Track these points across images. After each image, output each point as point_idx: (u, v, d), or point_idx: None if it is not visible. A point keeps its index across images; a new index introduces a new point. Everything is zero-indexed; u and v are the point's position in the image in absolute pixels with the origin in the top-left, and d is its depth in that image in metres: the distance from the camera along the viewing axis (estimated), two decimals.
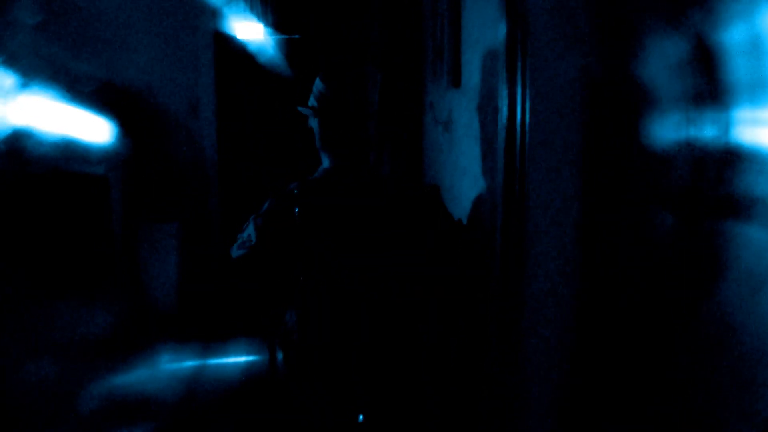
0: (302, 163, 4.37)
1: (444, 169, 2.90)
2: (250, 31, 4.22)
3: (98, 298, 3.67)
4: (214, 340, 3.97)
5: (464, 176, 2.53)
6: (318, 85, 2.17)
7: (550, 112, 1.45)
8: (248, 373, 3.56)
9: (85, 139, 3.47)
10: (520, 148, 1.52)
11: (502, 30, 1.70)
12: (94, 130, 3.56)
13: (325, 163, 2.22)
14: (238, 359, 3.74)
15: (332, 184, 2.16)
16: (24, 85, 3.18)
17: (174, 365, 3.63)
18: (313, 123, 2.21)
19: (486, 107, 2.15)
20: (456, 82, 2.57)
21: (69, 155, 3.38)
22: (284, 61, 4.33)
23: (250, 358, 3.74)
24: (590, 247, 1.40)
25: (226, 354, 3.80)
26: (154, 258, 4.12)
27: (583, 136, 1.31)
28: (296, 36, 4.37)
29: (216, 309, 4.00)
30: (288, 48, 4.34)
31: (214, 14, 4.24)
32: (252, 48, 4.25)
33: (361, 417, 2.16)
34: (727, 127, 0.90)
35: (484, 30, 2.18)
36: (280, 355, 2.43)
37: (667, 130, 1.07)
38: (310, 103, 2.22)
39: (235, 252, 2.28)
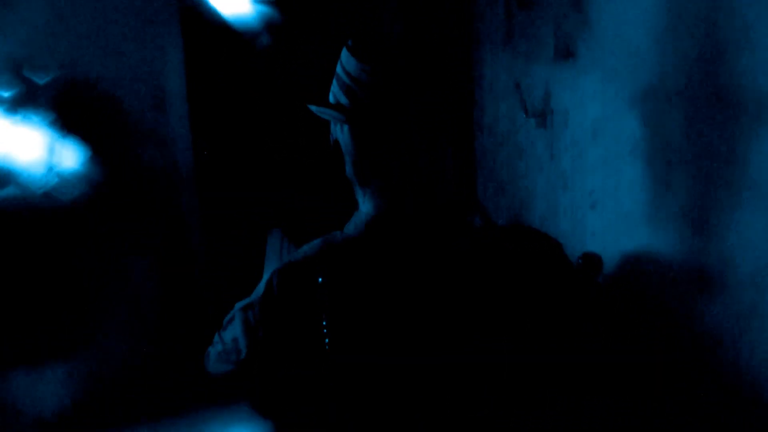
0: (304, 166, 3.33)
1: (534, 184, 1.86)
2: None
3: (44, 366, 2.74)
4: (201, 407, 2.96)
5: (592, 207, 1.50)
6: (349, 64, 1.12)
7: None
8: None
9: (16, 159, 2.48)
10: None
11: None
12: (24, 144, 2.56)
13: (367, 206, 1.18)
14: None
15: (388, 254, 1.13)
16: None
17: None
18: (341, 134, 1.17)
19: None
20: (566, 50, 1.52)
21: None
22: (274, 37, 3.27)
23: None
24: None
25: None
26: (121, 306, 3.09)
27: None
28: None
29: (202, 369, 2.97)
30: (279, 19, 3.27)
31: None
32: (232, 21, 3.18)
33: None
34: None
35: None
36: None
37: None
38: (332, 100, 1.18)
39: (213, 365, 1.28)
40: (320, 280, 1.08)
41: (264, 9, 3.20)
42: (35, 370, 2.78)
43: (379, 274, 1.12)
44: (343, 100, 1.15)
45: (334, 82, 1.19)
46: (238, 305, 1.23)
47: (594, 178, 1.49)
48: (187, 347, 3.01)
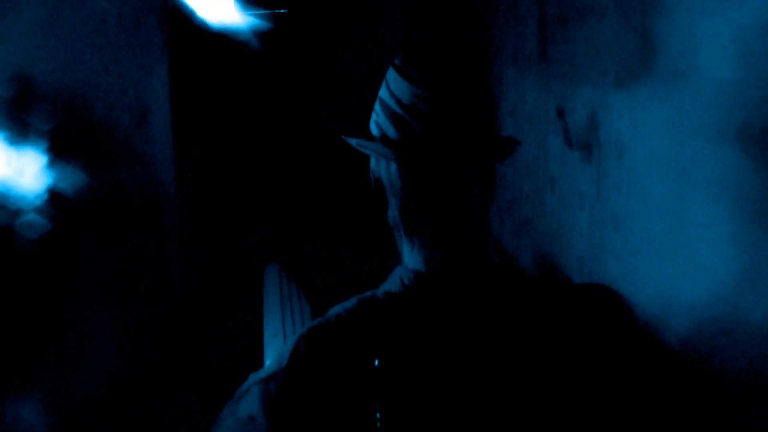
0: (300, 189, 3.10)
1: (571, 223, 1.66)
2: (216, 6, 2.91)
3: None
4: None
5: (656, 254, 1.30)
6: (400, 89, 0.92)
7: None
8: None
9: None
10: None
11: None
12: None
13: (414, 260, 0.98)
14: None
15: (447, 319, 0.92)
16: None
17: None
18: (386, 173, 0.95)
19: None
20: (625, 73, 1.32)
21: None
22: (265, 48, 3.05)
23: None
24: None
25: None
26: (85, 332, 2.84)
27: None
28: (281, 11, 3.08)
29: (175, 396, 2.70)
30: (271, 29, 3.05)
31: None
32: (220, 30, 2.95)
33: None
34: None
35: None
36: None
37: None
38: (375, 131, 0.97)
39: None
40: (376, 363, 0.86)
41: (255, 21, 2.99)
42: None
43: (438, 345, 0.91)
44: (392, 132, 0.94)
45: (378, 109, 0.98)
46: (255, 376, 1.01)
47: (659, 222, 1.30)
48: (168, 375, 2.76)
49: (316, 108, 2.39)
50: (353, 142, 1.00)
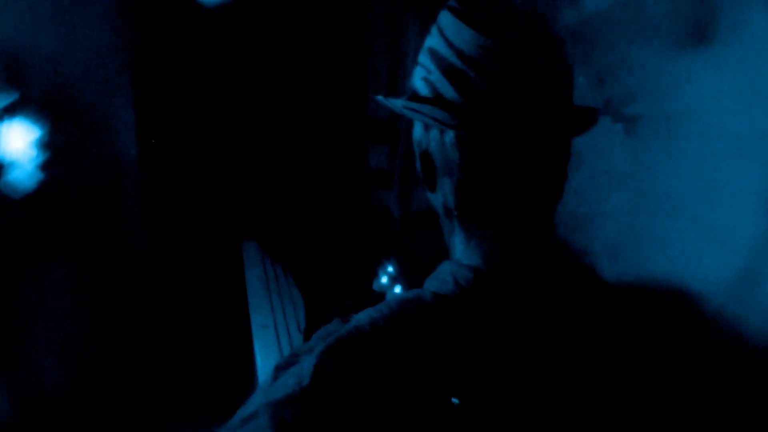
0: (272, 162, 2.88)
1: (599, 202, 1.49)
2: None
3: None
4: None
5: (722, 244, 1.13)
6: (460, 37, 0.71)
7: None
8: None
9: None
10: None
11: None
12: None
13: (471, 254, 0.78)
14: None
15: (520, 331, 0.72)
16: None
17: None
18: (439, 144, 0.75)
19: None
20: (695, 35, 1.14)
21: None
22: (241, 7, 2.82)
23: None
24: None
25: None
26: (35, 318, 2.62)
27: None
28: None
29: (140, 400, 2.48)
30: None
31: None
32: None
33: None
34: None
35: None
36: None
37: None
38: (425, 91, 0.76)
39: None
40: (454, 401, 0.66)
41: None
42: None
43: (512, 364, 0.72)
44: (449, 92, 0.73)
45: (428, 63, 0.77)
46: (263, 397, 0.79)
47: (718, 205, 1.13)
48: (132, 358, 2.56)
49: (297, 74, 2.16)
50: (397, 103, 0.79)
